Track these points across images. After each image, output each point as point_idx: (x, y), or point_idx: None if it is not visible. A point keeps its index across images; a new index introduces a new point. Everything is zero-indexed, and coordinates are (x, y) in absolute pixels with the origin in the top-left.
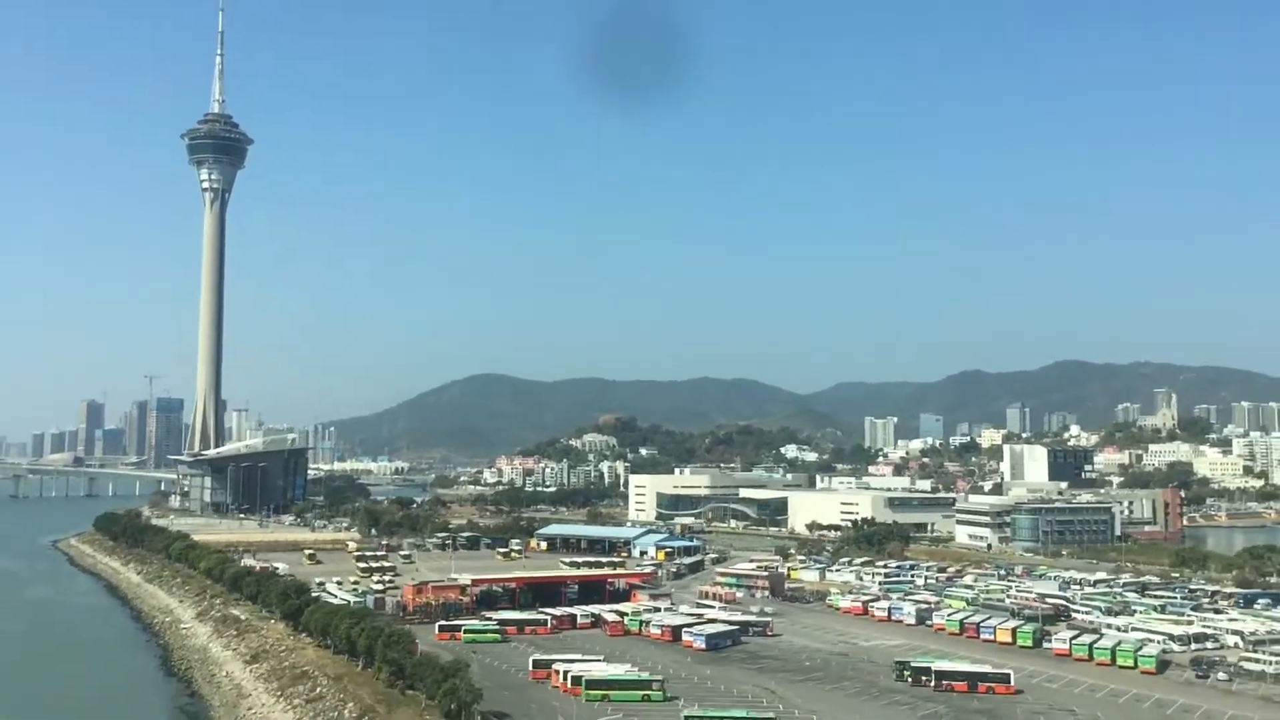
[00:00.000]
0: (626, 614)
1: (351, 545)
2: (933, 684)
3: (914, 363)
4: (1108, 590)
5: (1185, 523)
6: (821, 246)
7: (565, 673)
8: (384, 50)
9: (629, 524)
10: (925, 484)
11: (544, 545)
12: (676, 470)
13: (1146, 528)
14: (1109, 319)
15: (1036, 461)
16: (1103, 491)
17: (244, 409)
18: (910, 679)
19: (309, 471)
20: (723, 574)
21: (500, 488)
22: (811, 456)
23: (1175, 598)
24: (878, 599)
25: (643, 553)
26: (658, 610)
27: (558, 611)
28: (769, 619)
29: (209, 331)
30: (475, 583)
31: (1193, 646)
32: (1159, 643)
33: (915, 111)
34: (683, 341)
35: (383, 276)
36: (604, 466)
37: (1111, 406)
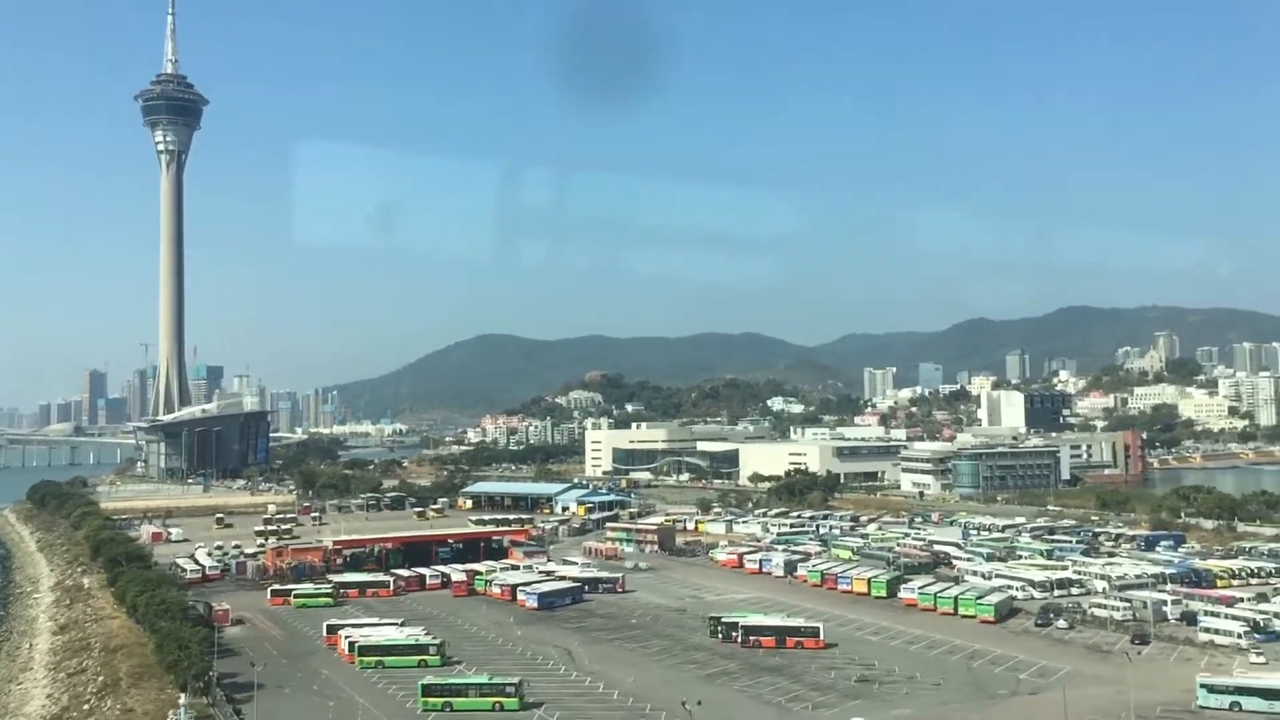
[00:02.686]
0: (480, 573)
1: (271, 508)
2: (739, 639)
3: (920, 313)
4: (1002, 536)
5: (1158, 465)
6: (826, 196)
7: (347, 639)
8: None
9: (577, 480)
10: (900, 434)
11: (469, 503)
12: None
13: (1106, 471)
14: (1117, 262)
15: (1014, 407)
16: (1055, 436)
17: (245, 374)
18: (721, 635)
19: (294, 433)
20: (613, 529)
21: (486, 446)
22: (798, 409)
23: (1071, 542)
24: (752, 552)
25: (564, 508)
26: (517, 569)
27: (405, 573)
28: (619, 575)
29: (170, 295)
30: (338, 544)
31: (1055, 593)
32: (1016, 590)
33: (916, 62)
34: (687, 298)
35: (383, 239)
36: (588, 423)
37: (1116, 351)
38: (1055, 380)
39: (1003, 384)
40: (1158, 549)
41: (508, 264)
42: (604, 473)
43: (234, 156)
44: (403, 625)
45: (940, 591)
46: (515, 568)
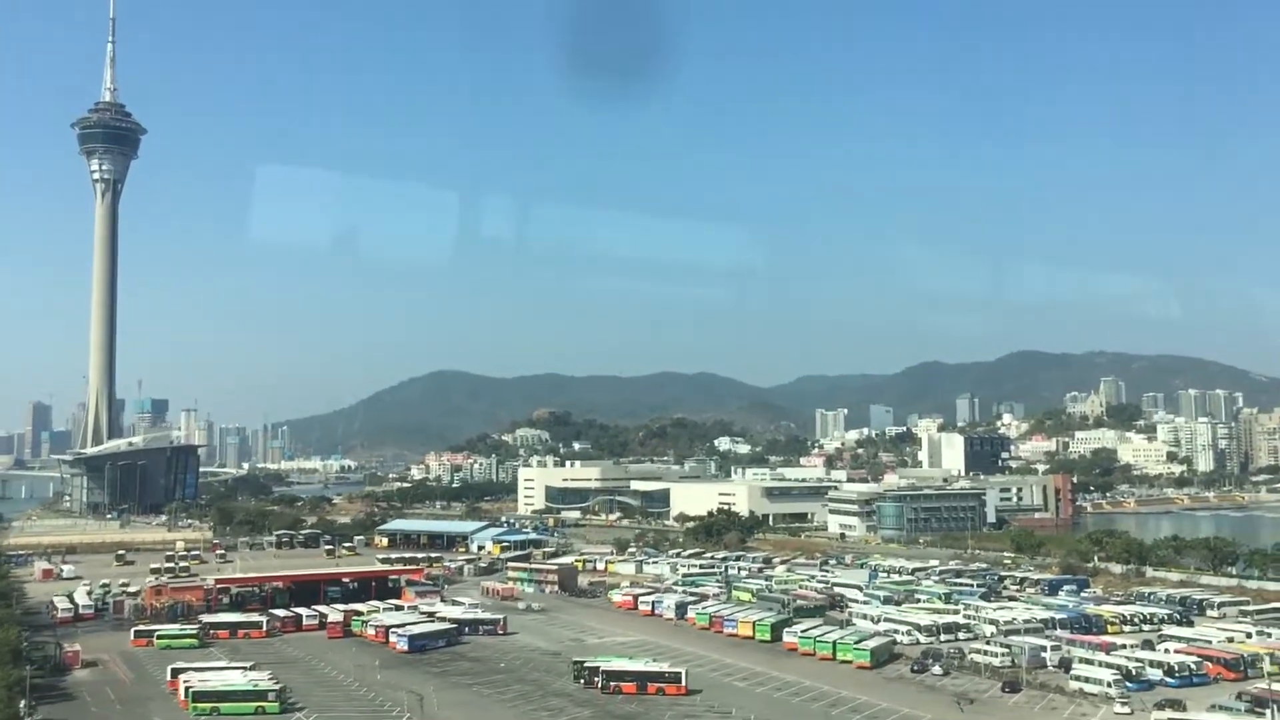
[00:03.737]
0: (360, 613)
1: (179, 545)
2: (600, 685)
3: (876, 355)
4: (907, 579)
5: (1090, 509)
6: (785, 236)
7: (185, 684)
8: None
9: (504, 519)
10: (842, 475)
11: (385, 541)
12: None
13: (1036, 514)
14: (1068, 308)
15: (954, 449)
16: (984, 479)
17: (193, 408)
18: (584, 680)
19: (237, 469)
20: (514, 569)
21: (429, 483)
22: (745, 449)
23: (972, 585)
24: (647, 593)
25: (480, 547)
26: (401, 609)
27: (282, 613)
28: (501, 617)
29: (101, 326)
30: (219, 582)
31: (941, 637)
32: (901, 634)
33: (872, 102)
34: (645, 338)
35: (336, 272)
36: (533, 460)
37: (1064, 396)
38: (999, 424)
39: (948, 427)
40: (1061, 593)
41: (462, 300)
42: (533, 511)
43: (183, 186)
44: (251, 669)
45: (820, 635)
46: (399, 608)
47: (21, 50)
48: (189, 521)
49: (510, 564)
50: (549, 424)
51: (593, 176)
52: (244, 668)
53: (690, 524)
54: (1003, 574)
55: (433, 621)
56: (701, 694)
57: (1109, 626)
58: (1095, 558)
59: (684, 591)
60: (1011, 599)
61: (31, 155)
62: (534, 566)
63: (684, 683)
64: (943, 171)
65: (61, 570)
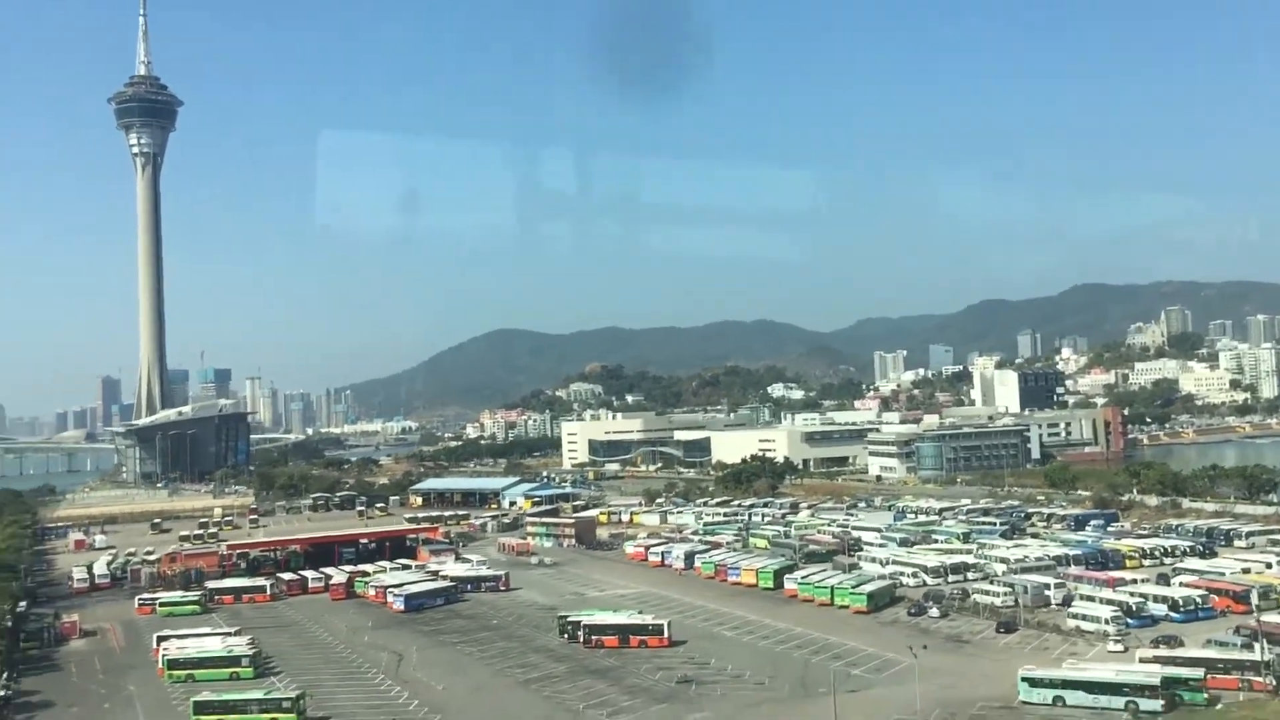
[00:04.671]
0: (367, 574)
1: (217, 511)
2: (582, 639)
3: (937, 295)
4: (929, 520)
5: (1147, 441)
6: (842, 177)
7: (163, 652)
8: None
9: (544, 474)
10: (894, 417)
11: (419, 501)
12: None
13: (1086, 449)
14: (1134, 238)
15: (1007, 386)
16: (1030, 414)
17: (256, 376)
18: (568, 635)
19: (300, 434)
20: (533, 523)
21: (481, 442)
22: (799, 394)
23: (995, 524)
24: (657, 544)
25: (512, 503)
26: (409, 568)
27: (288, 577)
28: (503, 573)
29: (149, 299)
30: (232, 548)
31: (949, 578)
32: (907, 576)
33: (931, 39)
34: (703, 288)
35: (395, 235)
36: (587, 415)
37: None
38: (1058, 359)
39: (1006, 364)
40: (1088, 528)
41: (520, 257)
42: (574, 465)
43: (227, 156)
44: (235, 635)
45: (819, 581)
46: (408, 567)
47: (58, 26)
48: (236, 488)
49: (529, 519)
50: (601, 378)
51: (649, 127)
52: (226, 633)
53: (722, 472)
54: (1030, 511)
55: (433, 580)
56: (685, 645)
57: (1127, 561)
58: (1133, 490)
59: (699, 540)
60: (1035, 536)
61: (74, 132)
62: (551, 521)
63: (666, 634)
64: (1002, 106)
65: (94, 541)
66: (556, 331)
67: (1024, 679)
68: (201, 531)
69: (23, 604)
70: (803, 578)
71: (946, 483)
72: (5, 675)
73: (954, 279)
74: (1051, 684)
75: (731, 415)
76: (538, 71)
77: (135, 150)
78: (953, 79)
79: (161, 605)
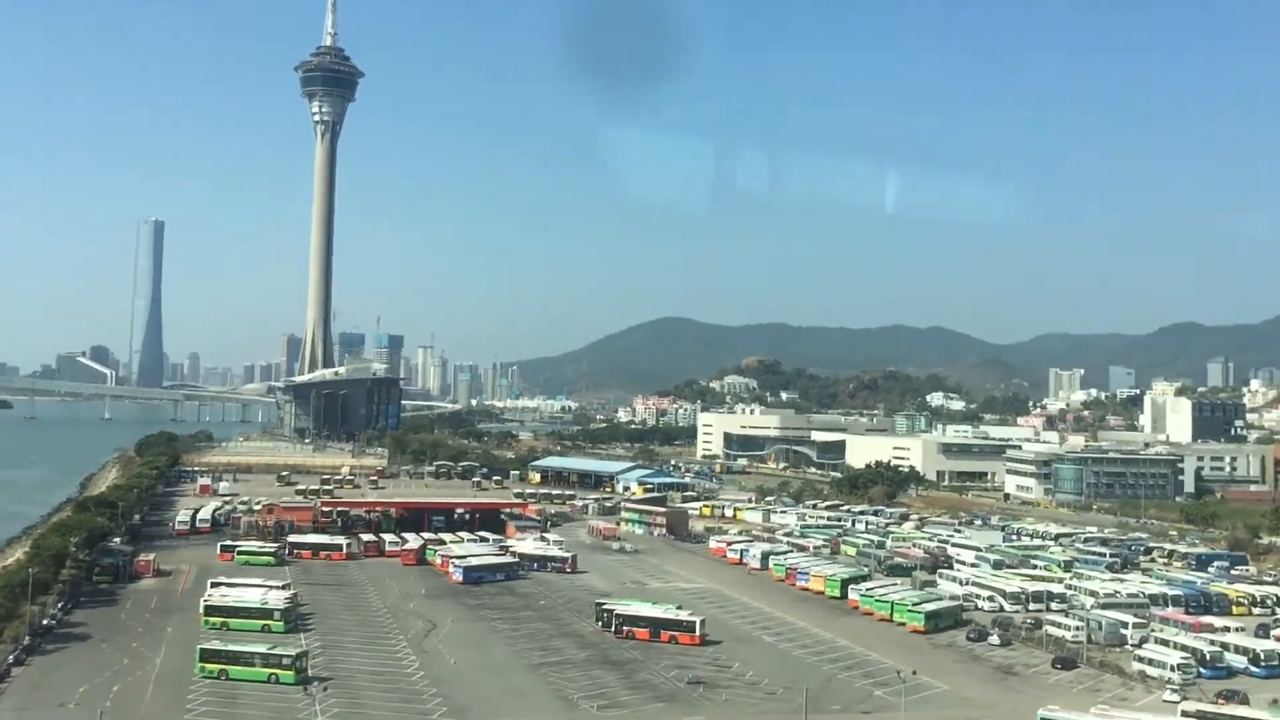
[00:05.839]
0: (443, 541)
1: (345, 470)
2: (613, 629)
3: (1124, 314)
4: (1035, 544)
5: None
6: (1031, 191)
7: (205, 598)
8: None
9: (672, 465)
10: (1053, 436)
11: (537, 477)
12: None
13: (1252, 487)
14: None
15: (1180, 414)
16: (1188, 445)
17: (429, 345)
18: (603, 623)
19: (456, 403)
20: (628, 509)
21: (628, 425)
22: (958, 405)
23: (1105, 555)
24: (737, 542)
25: (625, 487)
26: (486, 540)
27: (367, 538)
28: (569, 555)
29: (319, 263)
30: (325, 504)
31: (1030, 606)
32: (982, 599)
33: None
34: (876, 290)
35: (571, 219)
36: (738, 408)
37: None
38: (1244, 390)
39: (1187, 392)
40: (1211, 568)
41: (695, 246)
42: (703, 456)
43: (404, 128)
44: (282, 589)
45: (881, 595)
46: (484, 540)
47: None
48: (375, 450)
49: (624, 505)
50: (757, 372)
51: (829, 126)
52: (271, 586)
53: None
54: (1151, 545)
55: (500, 555)
56: (718, 646)
57: (1234, 608)
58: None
59: (788, 542)
60: (1144, 572)
61: (264, 100)
62: (645, 509)
63: (698, 632)
64: (1206, 116)
65: (218, 487)
66: (724, 323)
67: (1043, 719)
68: (318, 487)
69: (116, 540)
70: (866, 590)
71: (1082, 508)
72: (60, 605)
73: (1145, 298)
74: None
75: (873, 419)
76: (735, 67)
77: (317, 118)
78: (1166, 95)
79: (240, 554)
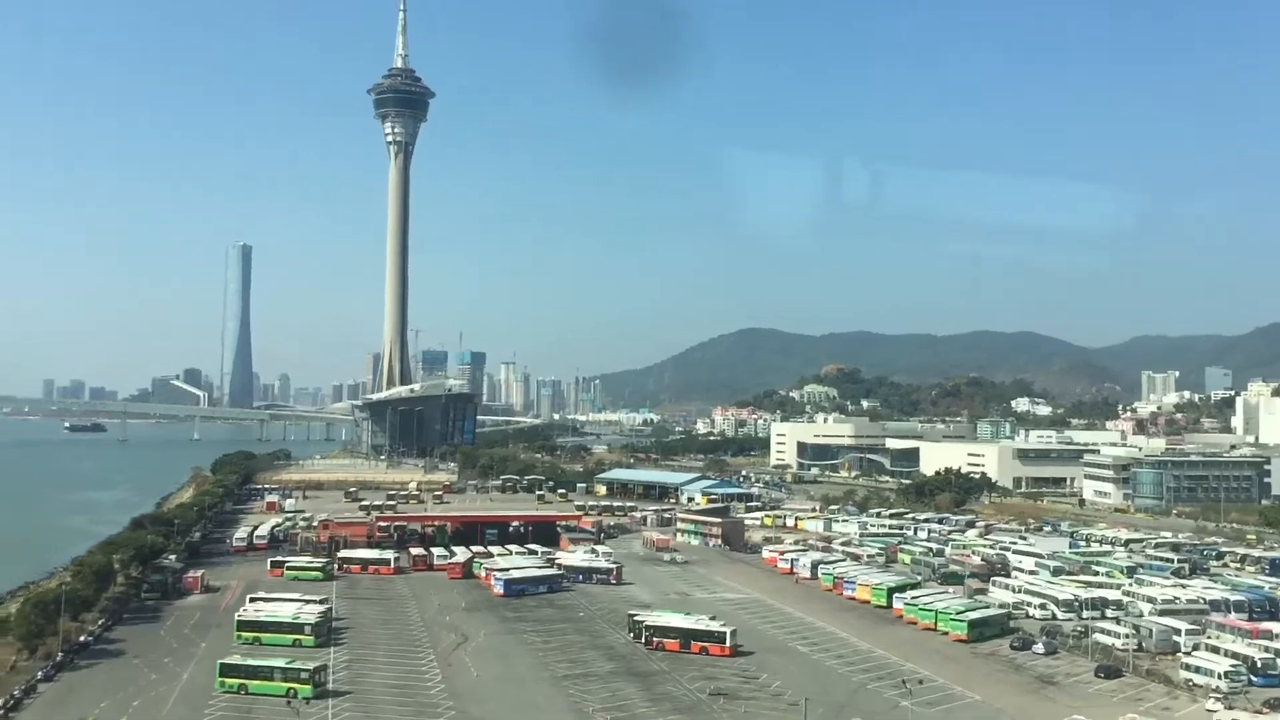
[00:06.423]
0: (491, 555)
1: (412, 486)
2: (643, 641)
3: (1222, 314)
4: (1097, 550)
5: None
6: (1121, 191)
7: (237, 615)
8: None
9: (742, 476)
10: (1140, 441)
11: (603, 489)
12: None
13: None
14: None
15: (1274, 416)
16: (1275, 447)
17: (512, 361)
18: (635, 635)
19: (534, 418)
20: (684, 520)
21: (706, 437)
22: (1045, 410)
23: (1172, 560)
24: (789, 552)
25: (689, 498)
26: (534, 553)
27: (418, 552)
28: (614, 567)
29: (394, 281)
30: (380, 519)
31: (1084, 614)
32: (1034, 607)
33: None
34: (961, 296)
35: (651, 231)
36: (819, 417)
37: None
38: None
39: None
40: None
41: (777, 256)
42: (774, 466)
43: (476, 147)
44: (319, 603)
45: (926, 604)
46: (533, 553)
47: (326, 22)
48: (448, 465)
49: (681, 516)
50: (837, 380)
51: (913, 134)
52: (308, 601)
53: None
54: (1224, 550)
55: (543, 567)
56: (751, 656)
57: None
58: None
59: (842, 551)
60: (1213, 576)
61: (340, 123)
62: (700, 519)
63: (728, 643)
64: None
65: (284, 504)
66: (807, 333)
67: None
68: (381, 503)
69: (172, 557)
70: (911, 599)
71: (1160, 513)
72: (101, 622)
73: (1243, 297)
74: None
75: (952, 427)
76: (805, 77)
77: (389, 139)
78: (1262, 91)
79: (289, 569)
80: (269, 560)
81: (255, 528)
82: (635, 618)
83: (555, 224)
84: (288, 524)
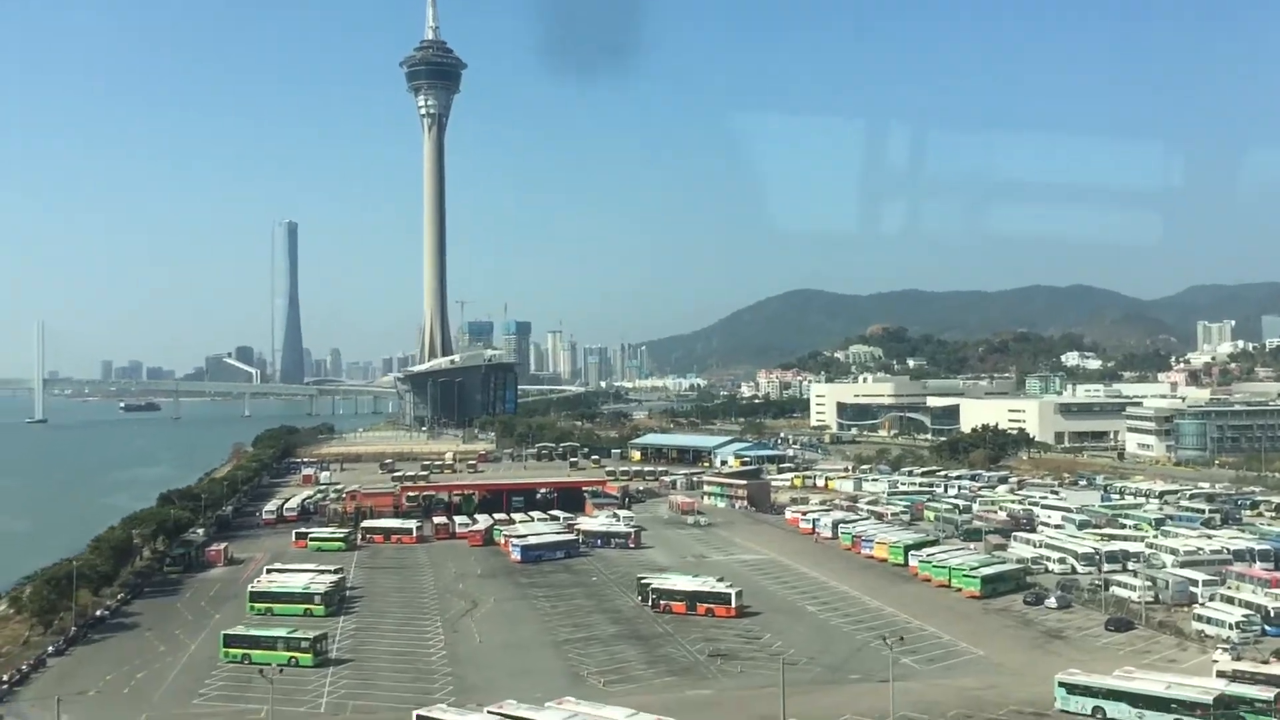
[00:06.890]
0: (513, 521)
1: (448, 456)
2: (650, 604)
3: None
4: (1126, 503)
5: None
6: (1179, 135)
7: (252, 585)
8: None
9: (780, 438)
10: (1191, 392)
11: (638, 455)
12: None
13: None
14: None
15: None
16: None
17: (558, 330)
18: (643, 598)
19: (581, 386)
20: (709, 483)
21: (750, 400)
22: (1095, 364)
23: (1204, 510)
24: (810, 512)
25: (723, 461)
26: (557, 519)
27: (440, 520)
28: (632, 531)
29: (432, 253)
30: (405, 489)
31: (1104, 567)
32: (1052, 561)
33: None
34: (1010, 250)
35: (697, 196)
36: (865, 378)
37: None
38: None
39: None
40: None
41: (821, 217)
42: (812, 427)
43: (511, 117)
44: (334, 573)
45: (940, 561)
46: (554, 519)
47: None
48: (487, 434)
49: (707, 479)
50: (882, 340)
51: (963, 92)
52: (321, 570)
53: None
54: (1259, 499)
55: (560, 533)
56: (757, 617)
57: None
58: None
59: (866, 510)
60: (1243, 526)
61: (376, 97)
62: (726, 482)
63: (733, 604)
64: None
65: (319, 477)
66: (855, 293)
67: (1062, 684)
68: (414, 473)
69: (199, 531)
70: (925, 556)
71: (1204, 465)
72: (120, 596)
73: None
74: (1092, 692)
75: (995, 383)
76: (853, 39)
77: (423, 111)
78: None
79: (312, 540)
80: (294, 532)
81: (285, 500)
82: (643, 581)
83: (599, 192)
84: (319, 496)
